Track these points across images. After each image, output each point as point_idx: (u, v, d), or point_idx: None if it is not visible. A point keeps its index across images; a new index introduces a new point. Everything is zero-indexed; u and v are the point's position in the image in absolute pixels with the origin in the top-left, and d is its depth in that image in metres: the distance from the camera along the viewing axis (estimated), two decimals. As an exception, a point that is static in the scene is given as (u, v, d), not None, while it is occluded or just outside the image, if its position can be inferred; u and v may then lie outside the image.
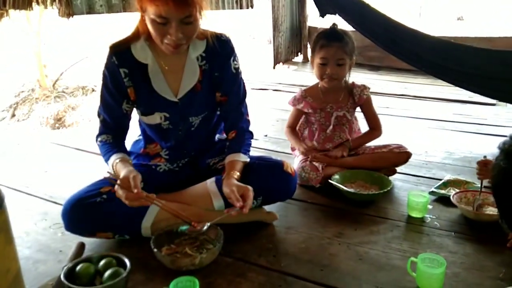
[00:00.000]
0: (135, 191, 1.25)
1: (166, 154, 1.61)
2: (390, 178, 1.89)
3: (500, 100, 2.96)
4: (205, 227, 1.34)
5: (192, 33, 1.34)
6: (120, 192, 1.28)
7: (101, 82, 1.49)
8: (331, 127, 2.01)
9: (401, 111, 3.19)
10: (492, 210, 1.60)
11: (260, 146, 2.49)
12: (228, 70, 1.52)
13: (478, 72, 2.70)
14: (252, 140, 1.60)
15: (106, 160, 1.46)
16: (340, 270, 1.31)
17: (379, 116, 2.07)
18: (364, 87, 2.03)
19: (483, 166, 1.63)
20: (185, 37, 1.31)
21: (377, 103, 2.46)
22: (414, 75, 4.37)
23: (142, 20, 1.35)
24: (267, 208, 1.59)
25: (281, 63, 5.13)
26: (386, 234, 1.52)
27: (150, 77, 1.45)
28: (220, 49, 1.49)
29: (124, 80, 1.45)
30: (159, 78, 1.45)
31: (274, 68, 5.03)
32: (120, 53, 1.43)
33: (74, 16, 2.63)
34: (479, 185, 1.72)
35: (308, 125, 2.08)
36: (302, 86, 4.20)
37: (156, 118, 1.50)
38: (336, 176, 1.84)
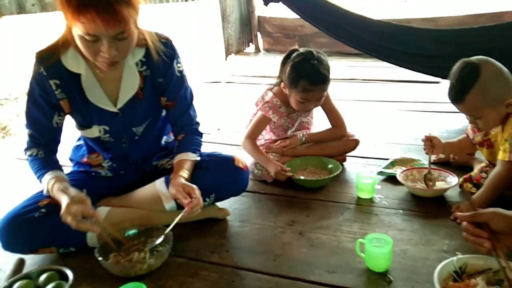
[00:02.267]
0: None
1: (109, 166, 1.53)
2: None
3: (441, 78, 3.07)
4: (160, 239, 1.31)
5: (127, 49, 1.22)
6: (68, 219, 1.20)
7: (27, 95, 1.35)
8: (293, 129, 2.01)
9: (350, 95, 3.25)
10: (438, 186, 1.66)
11: (212, 140, 2.45)
12: (173, 74, 1.44)
13: (420, 51, 2.80)
14: (201, 139, 1.55)
15: (39, 178, 1.34)
16: (293, 259, 1.32)
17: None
18: None
19: (429, 141, 1.68)
20: (120, 54, 1.19)
21: (330, 89, 2.49)
22: (363, 58, 4.47)
23: (70, 31, 1.19)
24: (219, 203, 1.57)
25: (232, 54, 5.09)
26: (337, 218, 1.54)
27: (84, 88, 1.33)
28: (161, 53, 1.38)
29: (56, 92, 1.33)
30: (95, 88, 1.34)
31: (226, 59, 4.99)
32: (49, 62, 1.28)
33: (3, 17, 2.45)
34: (425, 162, 1.78)
35: (269, 124, 2.01)
36: (255, 76, 4.19)
37: (94, 132, 1.42)
38: (286, 165, 1.84)
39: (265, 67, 4.42)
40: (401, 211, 1.56)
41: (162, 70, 1.42)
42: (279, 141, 1.99)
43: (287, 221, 1.54)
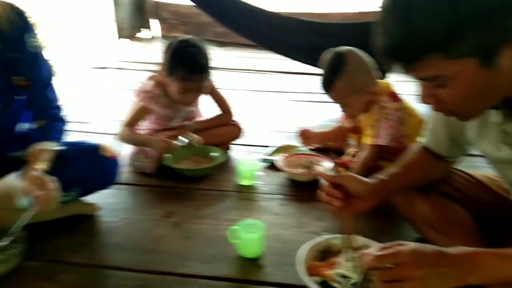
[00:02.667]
0: None
1: None
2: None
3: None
4: (6, 242, 1.13)
5: None
6: None
7: None
8: (178, 119, 1.91)
9: (243, 85, 3.26)
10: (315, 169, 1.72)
11: (93, 130, 2.26)
12: (24, 50, 1.25)
13: (306, 43, 2.92)
14: (64, 126, 1.39)
15: None
16: (166, 252, 1.25)
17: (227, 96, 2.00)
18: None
19: (302, 135, 1.77)
20: None
21: (222, 79, 2.45)
22: (258, 50, 4.54)
23: None
24: (88, 198, 1.43)
25: (125, 39, 4.78)
26: (217, 206, 1.51)
27: None
28: (11, 25, 1.20)
29: None
30: None
31: (117, 45, 4.66)
32: None
33: None
34: (305, 149, 1.85)
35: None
36: (149, 63, 3.99)
37: None
38: (168, 155, 1.76)
39: (159, 54, 4.22)
40: (279, 196, 1.59)
41: (12, 45, 1.23)
42: (163, 132, 1.89)
43: (164, 213, 1.46)
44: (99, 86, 3.13)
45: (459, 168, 1.21)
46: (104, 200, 1.50)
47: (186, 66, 1.66)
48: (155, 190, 1.63)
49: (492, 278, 0.72)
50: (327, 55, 1.52)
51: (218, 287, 1.09)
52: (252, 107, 2.70)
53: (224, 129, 1.94)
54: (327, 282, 1.01)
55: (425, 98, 0.78)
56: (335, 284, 1.00)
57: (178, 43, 1.71)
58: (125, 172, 1.74)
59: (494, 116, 0.84)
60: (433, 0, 0.66)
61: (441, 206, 1.13)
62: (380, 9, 0.73)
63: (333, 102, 1.58)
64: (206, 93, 1.91)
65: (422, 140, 1.18)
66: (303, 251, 1.09)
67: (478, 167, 1.31)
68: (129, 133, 1.77)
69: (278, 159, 1.77)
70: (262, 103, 2.84)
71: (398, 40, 0.69)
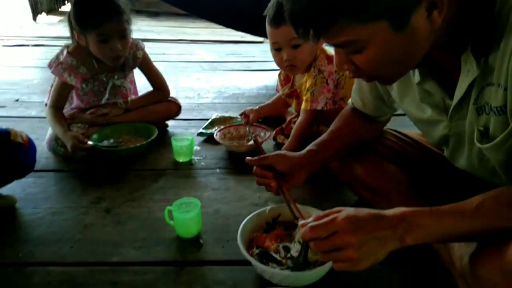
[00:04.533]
0: None
1: None
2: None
3: (264, 37, 3.17)
4: None
5: None
6: None
7: None
8: (106, 95, 1.74)
9: (177, 56, 3.11)
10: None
11: (9, 114, 2.04)
12: None
13: (244, 11, 2.81)
14: None
15: None
16: (95, 241, 1.14)
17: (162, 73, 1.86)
18: (136, 47, 1.75)
19: (244, 117, 1.75)
20: None
21: (153, 50, 2.29)
22: (192, 19, 4.35)
23: None
24: (3, 190, 1.27)
25: (43, 14, 4.35)
26: (151, 187, 1.41)
27: None
28: None
29: None
30: None
31: (34, 20, 4.24)
32: None
33: None
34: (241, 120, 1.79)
35: (76, 89, 1.71)
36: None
37: None
38: (94, 136, 1.62)
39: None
40: (217, 170, 1.52)
41: None
42: (92, 110, 1.74)
43: (93, 199, 1.34)
44: (13, 66, 2.82)
45: (394, 128, 1.21)
46: (25, 191, 1.36)
47: (95, 8, 1.50)
48: (81, 176, 1.49)
49: (430, 237, 0.71)
50: None
51: (154, 273, 1.02)
52: (186, 79, 2.58)
53: (162, 105, 1.83)
54: (268, 252, 0.98)
55: (341, 65, 0.76)
56: (276, 256, 0.97)
57: None
58: (45, 158, 1.59)
59: (415, 76, 0.83)
60: None
61: (376, 167, 1.12)
62: None
63: (273, 70, 1.51)
64: (136, 65, 1.77)
65: (350, 101, 1.16)
66: (247, 223, 1.04)
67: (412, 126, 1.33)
68: (50, 116, 1.61)
69: (215, 131, 1.70)
70: (199, 74, 2.73)
71: (307, 7, 0.66)
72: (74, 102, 1.76)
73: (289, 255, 0.96)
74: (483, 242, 0.72)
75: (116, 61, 1.62)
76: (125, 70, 1.75)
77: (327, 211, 0.76)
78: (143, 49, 1.77)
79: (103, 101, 1.76)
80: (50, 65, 1.63)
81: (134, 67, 1.79)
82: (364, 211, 0.73)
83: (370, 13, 0.64)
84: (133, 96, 1.86)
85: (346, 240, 0.69)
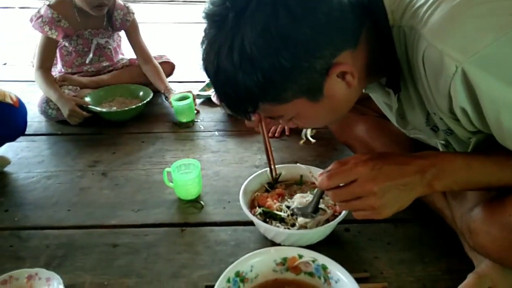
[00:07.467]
0: None
1: None
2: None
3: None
4: None
5: None
6: None
7: None
8: (90, 55, 1.67)
9: (168, 17, 2.99)
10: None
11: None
12: None
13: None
14: None
15: None
16: (92, 204, 1.11)
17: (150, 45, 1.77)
18: (127, 10, 1.67)
19: None
20: None
21: (142, 12, 2.18)
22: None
23: None
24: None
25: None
26: (148, 149, 1.37)
27: None
28: None
29: None
30: None
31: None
32: None
33: None
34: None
35: (59, 49, 1.66)
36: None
37: None
38: (88, 98, 1.56)
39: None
40: (216, 132, 1.48)
41: None
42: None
43: (89, 162, 1.30)
44: (1, 27, 2.71)
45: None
46: (18, 155, 1.32)
47: None
48: (76, 139, 1.45)
49: (459, 183, 0.66)
50: None
51: (155, 234, 1.00)
52: (180, 40, 2.49)
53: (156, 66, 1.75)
54: (270, 212, 0.96)
55: (287, 127, 0.84)
56: (279, 213, 0.95)
57: None
58: (37, 122, 1.54)
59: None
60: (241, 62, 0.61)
61: (376, 125, 1.09)
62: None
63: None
64: (122, 28, 1.69)
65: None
66: (248, 184, 1.01)
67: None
68: (41, 79, 1.54)
69: (212, 93, 1.64)
70: (191, 35, 2.62)
71: (229, 95, 0.67)
72: (58, 67, 1.69)
73: (290, 211, 0.94)
74: (482, 200, 0.71)
75: (99, 9, 1.55)
76: (111, 28, 1.68)
77: (348, 158, 0.70)
78: (133, 14, 1.70)
79: (87, 61, 1.68)
80: (31, 20, 1.56)
81: (121, 29, 1.71)
82: (388, 156, 0.68)
83: (286, 96, 0.66)
84: (120, 56, 1.79)
85: (368, 188, 0.64)
